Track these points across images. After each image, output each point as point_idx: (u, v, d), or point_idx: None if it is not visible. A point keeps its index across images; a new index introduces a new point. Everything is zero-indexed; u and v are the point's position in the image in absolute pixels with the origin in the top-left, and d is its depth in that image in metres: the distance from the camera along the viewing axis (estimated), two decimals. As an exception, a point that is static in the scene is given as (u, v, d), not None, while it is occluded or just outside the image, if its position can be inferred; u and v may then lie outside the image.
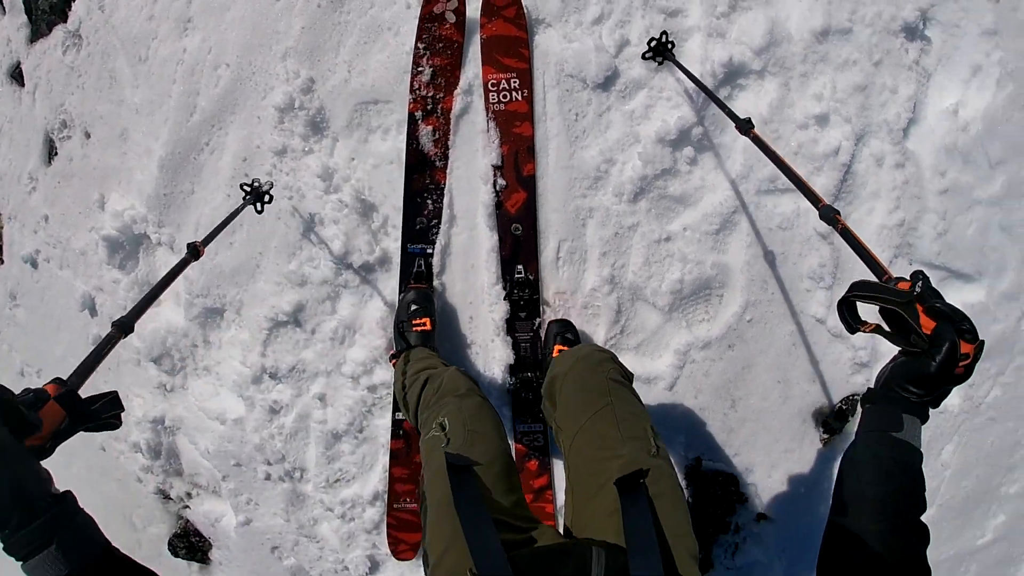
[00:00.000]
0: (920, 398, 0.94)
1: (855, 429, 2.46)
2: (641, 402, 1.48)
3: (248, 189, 2.10)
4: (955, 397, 2.56)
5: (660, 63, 2.15)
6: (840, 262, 2.32)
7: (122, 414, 1.02)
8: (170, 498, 2.91)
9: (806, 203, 2.25)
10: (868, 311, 1.05)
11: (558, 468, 2.48)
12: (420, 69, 2.16)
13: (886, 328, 1.02)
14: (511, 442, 2.40)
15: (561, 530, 1.36)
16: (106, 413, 0.98)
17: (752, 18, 2.12)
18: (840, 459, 1.01)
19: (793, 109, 2.18)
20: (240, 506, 2.72)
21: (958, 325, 0.89)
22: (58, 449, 0.87)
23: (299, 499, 2.66)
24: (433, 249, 2.29)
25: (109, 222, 2.51)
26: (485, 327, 2.36)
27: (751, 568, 2.71)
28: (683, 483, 2.55)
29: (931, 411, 0.98)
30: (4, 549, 0.77)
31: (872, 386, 1.03)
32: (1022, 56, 2.24)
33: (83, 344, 2.76)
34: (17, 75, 2.83)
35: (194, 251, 1.60)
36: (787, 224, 2.29)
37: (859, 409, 2.52)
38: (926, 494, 0.95)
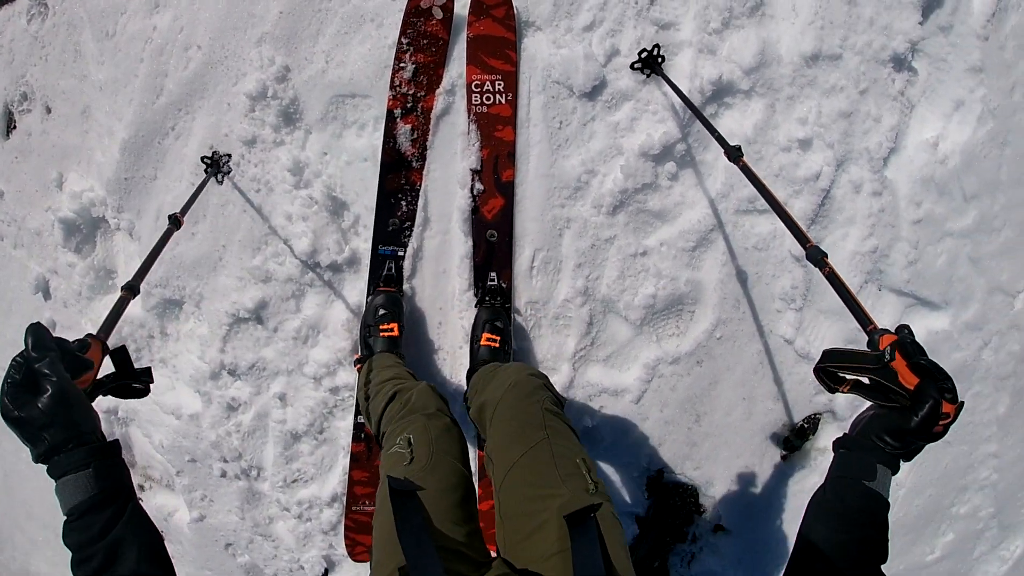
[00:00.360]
0: (895, 450, 0.93)
1: (814, 445, 2.47)
2: (575, 431, 1.39)
3: (208, 161, 2.11)
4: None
5: (648, 75, 2.04)
6: (812, 284, 2.26)
7: (151, 384, 1.07)
8: (123, 489, 2.74)
9: (783, 224, 2.21)
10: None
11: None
12: (402, 65, 2.01)
13: (865, 381, 1.00)
14: (476, 450, 2.29)
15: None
16: (143, 377, 1.04)
17: (744, 37, 2.02)
18: (809, 500, 0.99)
19: (777, 131, 2.10)
20: (194, 502, 2.56)
21: (940, 384, 0.87)
22: (11, 434, 0.86)
23: (255, 497, 2.52)
24: (404, 252, 2.15)
25: (67, 203, 2.31)
26: (454, 334, 2.24)
27: (706, 577, 2.67)
28: (643, 495, 2.51)
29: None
30: (47, 469, 0.83)
31: (847, 432, 1.01)
32: (1005, 94, 2.19)
33: (34, 328, 2.55)
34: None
35: (175, 221, 1.64)
36: (763, 245, 2.22)
37: (820, 428, 2.51)
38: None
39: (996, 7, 2.17)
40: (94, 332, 1.01)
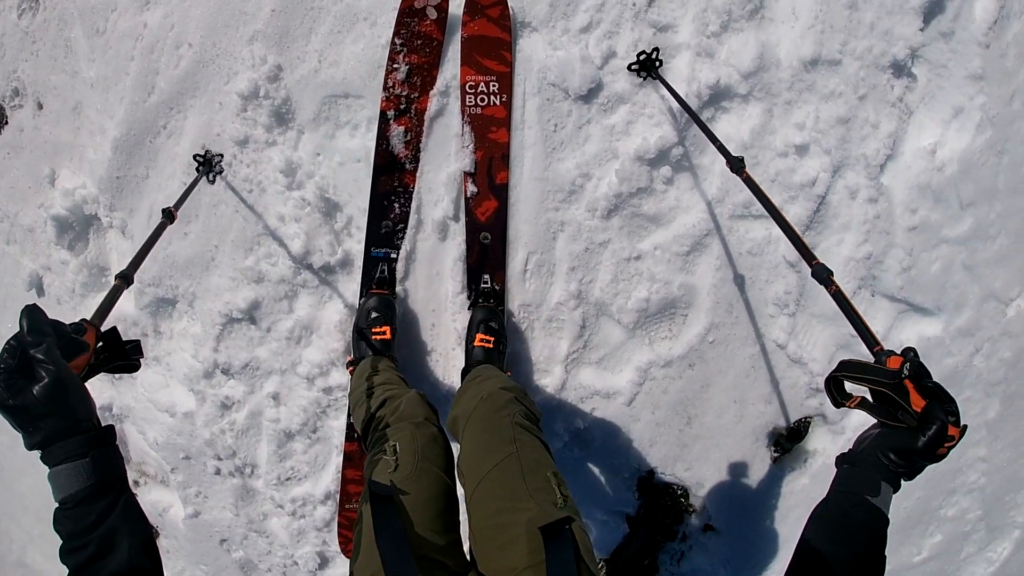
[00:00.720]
0: (898, 468, 0.92)
1: (804, 448, 2.43)
2: (547, 448, 1.37)
3: (200, 160, 2.07)
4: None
5: (645, 78, 1.98)
6: (805, 290, 2.21)
7: (142, 359, 1.06)
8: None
9: (778, 231, 2.15)
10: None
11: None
12: (396, 65, 1.94)
13: (870, 400, 0.98)
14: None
15: None
16: (133, 355, 1.02)
17: (743, 40, 1.95)
18: (811, 512, 0.99)
19: (774, 136, 2.03)
20: (189, 498, 2.53)
21: (947, 407, 0.87)
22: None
23: (249, 495, 2.48)
24: (397, 254, 2.10)
25: (59, 200, 2.25)
26: (447, 336, 2.19)
27: (695, 575, 2.65)
28: (634, 494, 2.48)
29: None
30: (41, 456, 0.80)
31: (851, 448, 1.00)
32: (1005, 102, 2.12)
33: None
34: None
35: (169, 215, 1.61)
36: (757, 250, 2.16)
37: (810, 431, 2.47)
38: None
39: (998, 14, 2.09)
40: (88, 318, 0.98)
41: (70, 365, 0.84)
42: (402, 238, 2.09)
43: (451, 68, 2.01)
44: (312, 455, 2.37)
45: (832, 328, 2.25)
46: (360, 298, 2.12)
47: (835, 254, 2.18)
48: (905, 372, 0.90)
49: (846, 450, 1.00)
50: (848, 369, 0.97)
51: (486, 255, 2.09)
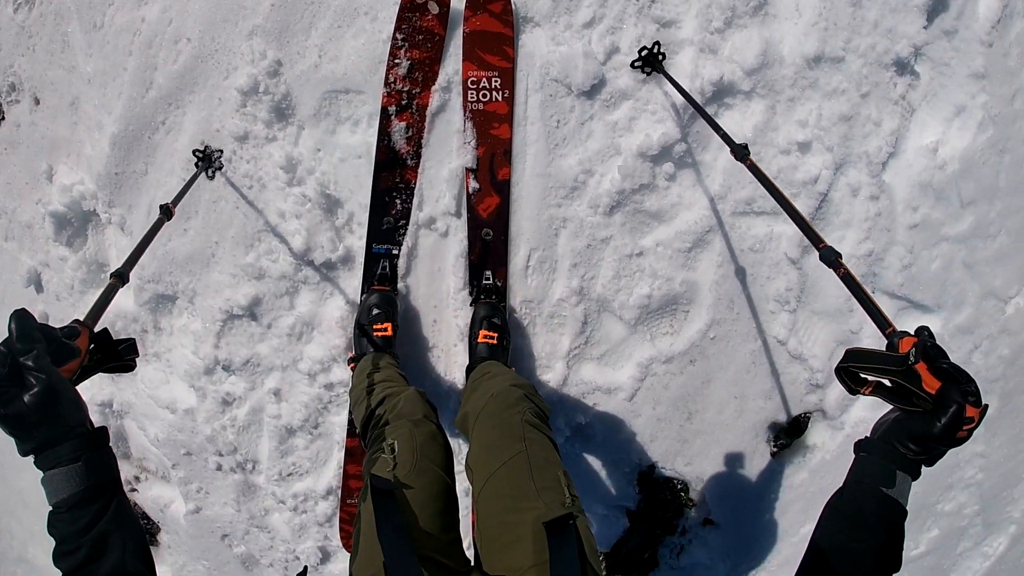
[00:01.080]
0: (916, 455, 0.88)
1: (804, 443, 2.43)
2: (556, 446, 1.36)
3: (200, 156, 2.05)
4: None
5: (648, 74, 1.95)
6: (806, 287, 2.21)
7: (137, 358, 1.04)
8: (118, 480, 2.68)
9: (780, 227, 2.15)
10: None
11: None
12: (397, 61, 1.92)
13: (887, 384, 0.94)
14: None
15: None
16: (126, 355, 1.00)
17: (747, 37, 1.92)
18: (825, 503, 0.96)
19: (777, 133, 2.02)
20: (190, 494, 2.52)
21: (964, 387, 0.82)
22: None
23: (251, 490, 2.47)
24: (399, 250, 2.08)
25: (57, 197, 2.22)
26: (448, 332, 2.17)
27: (694, 569, 2.66)
28: (635, 489, 2.48)
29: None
30: (34, 460, 0.80)
31: (868, 435, 0.96)
32: (1007, 101, 2.11)
33: (27, 321, 2.47)
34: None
35: (166, 212, 1.60)
36: (759, 247, 2.15)
37: (809, 427, 2.47)
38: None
39: (1001, 13, 2.07)
40: (81, 319, 0.97)
41: (62, 370, 0.83)
42: (404, 234, 2.07)
43: (453, 64, 1.98)
44: (313, 451, 2.35)
45: (833, 324, 2.25)
46: (361, 294, 2.10)
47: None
48: (912, 357, 0.86)
49: (860, 438, 0.97)
50: (854, 359, 0.94)
51: (488, 251, 2.07)
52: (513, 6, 1.91)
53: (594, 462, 2.40)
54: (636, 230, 2.11)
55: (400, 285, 2.11)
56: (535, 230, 2.08)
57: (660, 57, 1.92)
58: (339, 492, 2.39)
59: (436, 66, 1.96)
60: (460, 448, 2.31)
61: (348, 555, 2.47)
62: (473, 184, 2.03)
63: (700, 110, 1.68)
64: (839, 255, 1.12)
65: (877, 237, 2.17)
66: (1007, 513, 2.72)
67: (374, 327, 1.98)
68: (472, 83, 1.97)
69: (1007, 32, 2.10)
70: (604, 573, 1.07)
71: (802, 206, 2.08)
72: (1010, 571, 2.83)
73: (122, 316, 2.29)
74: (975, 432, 2.55)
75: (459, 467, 2.31)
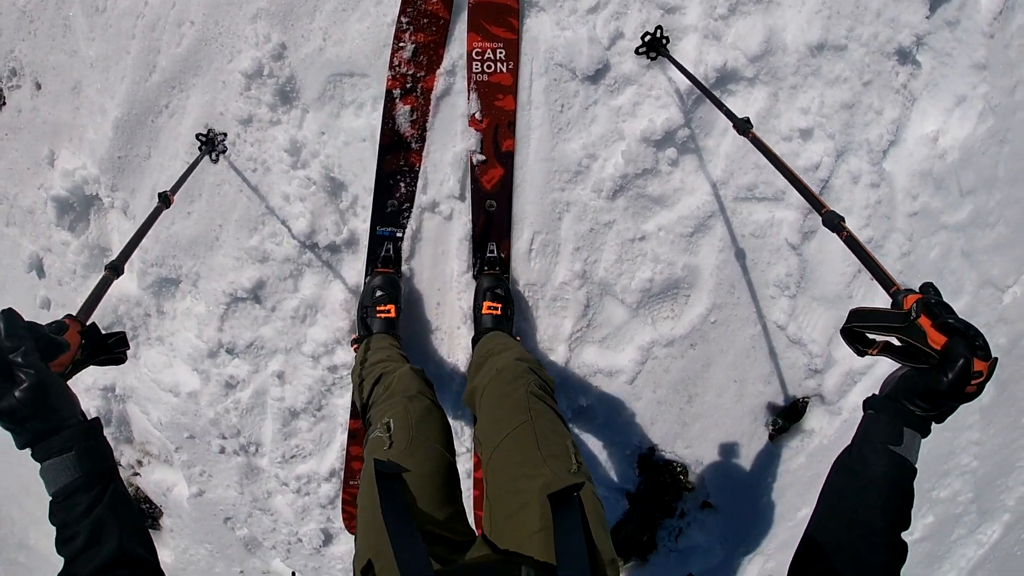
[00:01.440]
0: (925, 412, 0.88)
1: (802, 427, 2.50)
2: (561, 417, 1.40)
3: (203, 139, 2.10)
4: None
5: (653, 58, 2.01)
6: (806, 273, 2.29)
7: (127, 351, 1.08)
8: (120, 465, 2.74)
9: (781, 212, 2.21)
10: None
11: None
12: (402, 44, 1.96)
13: (895, 343, 0.94)
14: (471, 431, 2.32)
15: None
16: (116, 348, 1.04)
17: (751, 24, 1.98)
18: (833, 461, 0.97)
19: (779, 120, 2.08)
20: (193, 477, 2.59)
21: (972, 341, 0.82)
22: None
23: (254, 473, 2.55)
24: (403, 233, 2.14)
25: (59, 181, 2.26)
26: (452, 314, 2.24)
27: (692, 551, 2.76)
28: (634, 472, 2.57)
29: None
30: (31, 453, 0.85)
31: (876, 392, 0.97)
32: (1007, 92, 2.17)
33: (30, 306, 2.52)
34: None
35: (165, 199, 1.62)
36: (760, 232, 2.22)
37: (808, 411, 2.55)
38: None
39: (1004, 5, 2.13)
40: (74, 313, 1.01)
41: (52, 364, 0.87)
42: (408, 217, 2.13)
43: (458, 47, 2.03)
44: (317, 433, 2.42)
45: (832, 311, 2.32)
46: (365, 277, 2.16)
47: (835, 238, 2.19)
48: (914, 312, 0.87)
49: (869, 395, 0.97)
50: (858, 319, 0.95)
51: (491, 223, 2.13)
52: None
53: (595, 444, 2.48)
54: (639, 214, 2.17)
55: (404, 268, 2.18)
56: (539, 213, 2.14)
57: (664, 42, 1.98)
58: (342, 474, 2.46)
59: (441, 50, 2.01)
60: (463, 430, 2.38)
61: (350, 537, 2.56)
62: (477, 156, 2.08)
63: (702, 87, 1.74)
64: (842, 219, 1.15)
65: (877, 224, 2.24)
66: (1001, 501, 2.82)
67: (377, 308, 2.04)
68: (477, 54, 2.01)
69: (1009, 24, 2.16)
70: (609, 539, 1.11)
71: (803, 192, 2.14)
72: (1003, 559, 2.93)
73: (125, 300, 2.35)
74: (971, 421, 2.60)
75: (465, 445, 2.38)
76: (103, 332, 1.02)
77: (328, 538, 2.64)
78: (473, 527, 1.30)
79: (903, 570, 0.88)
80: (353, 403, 2.32)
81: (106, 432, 2.58)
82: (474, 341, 2.07)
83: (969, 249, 2.32)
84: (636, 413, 2.43)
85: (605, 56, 1.99)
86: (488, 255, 2.15)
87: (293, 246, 2.15)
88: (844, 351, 2.39)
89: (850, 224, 2.19)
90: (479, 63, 2.02)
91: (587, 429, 2.43)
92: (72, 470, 0.84)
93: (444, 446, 1.40)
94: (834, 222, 1.15)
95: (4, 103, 2.37)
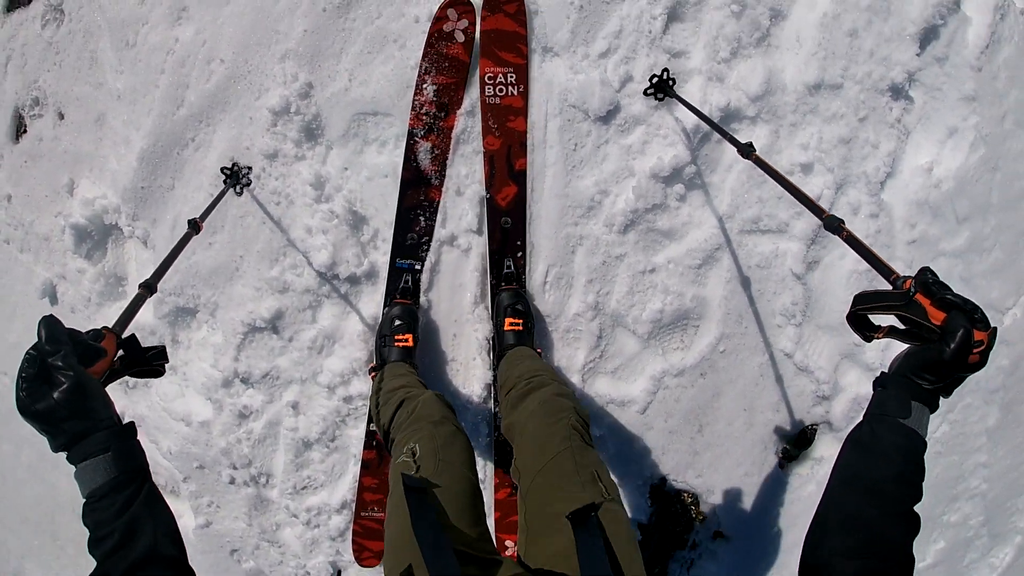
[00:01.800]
0: (932, 385, 0.97)
1: (811, 455, 2.72)
2: (595, 450, 1.54)
3: (228, 172, 2.31)
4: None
5: (660, 99, 2.28)
6: (811, 302, 2.52)
7: (166, 365, 1.17)
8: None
9: (784, 244, 2.48)
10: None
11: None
12: (424, 86, 2.22)
13: (900, 327, 1.06)
14: (491, 462, 2.53)
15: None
16: (156, 361, 1.14)
17: (751, 66, 2.26)
18: (845, 438, 1.05)
19: (781, 156, 2.35)
20: (200, 508, 2.75)
21: (970, 314, 0.93)
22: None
23: (263, 504, 2.71)
24: (422, 266, 2.37)
25: (78, 209, 2.48)
26: (468, 345, 2.46)
27: (704, 583, 2.93)
28: (647, 502, 2.75)
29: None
30: (67, 456, 0.93)
31: (885, 371, 1.06)
32: (997, 122, 2.47)
33: (40, 333, 2.71)
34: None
35: (194, 226, 1.78)
36: (765, 263, 2.47)
37: (817, 439, 2.77)
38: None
39: (990, 39, 2.43)
40: (109, 326, 1.10)
41: (89, 371, 0.96)
42: (427, 250, 2.36)
43: (476, 90, 2.29)
44: (329, 464, 2.61)
45: (838, 338, 2.57)
46: (384, 308, 2.38)
47: (838, 268, 2.49)
48: (913, 288, 0.99)
49: (878, 375, 1.06)
50: (862, 302, 1.07)
51: (507, 239, 2.37)
52: (526, 5, 2.20)
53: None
54: (649, 248, 2.41)
55: (422, 299, 2.40)
56: (553, 247, 2.38)
57: (670, 83, 2.25)
58: (353, 506, 2.62)
59: (461, 91, 2.27)
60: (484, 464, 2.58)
61: (360, 570, 2.73)
62: (492, 174, 2.33)
63: (706, 119, 1.99)
64: (841, 221, 1.30)
65: (878, 253, 2.49)
66: (1012, 523, 3.04)
67: (395, 337, 2.25)
68: (489, 78, 2.26)
69: (995, 57, 2.46)
70: (639, 560, 1.26)
71: (805, 225, 2.40)
72: (1018, 583, 3.14)
73: (140, 328, 2.54)
74: (979, 444, 2.85)
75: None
76: (142, 345, 1.12)
77: (337, 572, 2.79)
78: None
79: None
80: (367, 432, 2.50)
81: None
82: (499, 356, 2.27)
83: (968, 274, 2.59)
84: (648, 443, 2.63)
85: (616, 98, 2.26)
86: (506, 271, 2.37)
87: (313, 277, 2.37)
88: (851, 378, 2.64)
89: (852, 254, 2.48)
90: (491, 87, 2.27)
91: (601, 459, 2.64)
92: (108, 470, 0.92)
93: (470, 469, 1.53)
94: (834, 224, 1.30)
95: (25, 131, 2.60)
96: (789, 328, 2.54)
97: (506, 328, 2.26)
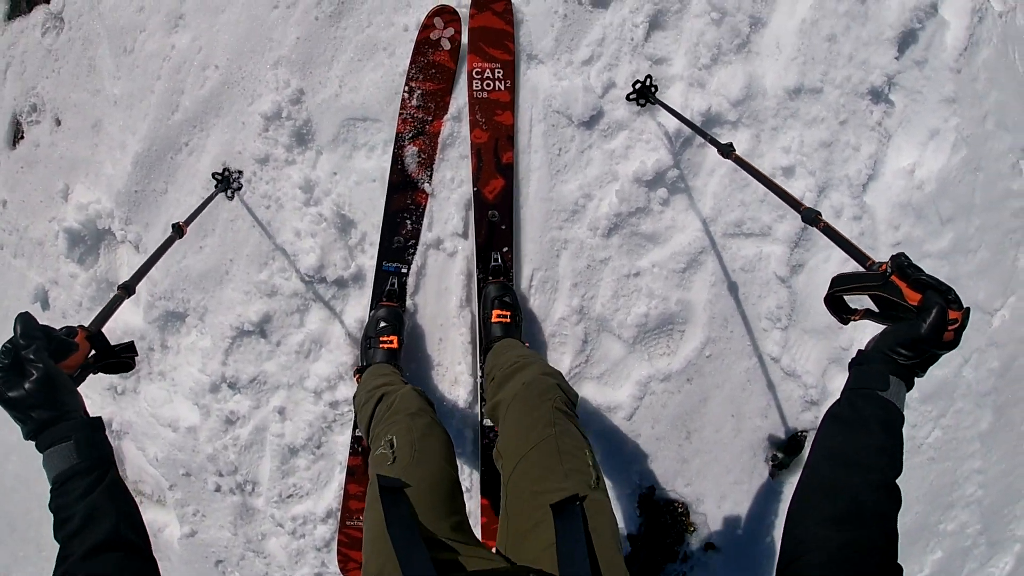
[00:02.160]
0: (908, 360, 1.03)
1: (801, 462, 2.84)
2: (582, 430, 1.56)
3: (219, 177, 2.46)
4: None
5: (643, 105, 2.46)
6: (796, 306, 2.66)
7: (136, 358, 1.28)
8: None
9: (768, 247, 2.64)
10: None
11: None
12: (411, 92, 2.41)
13: (875, 309, 1.13)
14: (477, 470, 2.66)
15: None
16: (124, 353, 1.25)
17: (732, 72, 2.44)
18: (823, 414, 1.10)
19: (763, 159, 2.51)
20: (186, 517, 2.86)
21: (945, 294, 1.01)
22: None
23: (249, 513, 2.81)
24: (408, 269, 2.51)
25: (72, 214, 2.64)
26: (454, 349, 2.59)
27: (697, 597, 3.01)
28: (636, 512, 2.84)
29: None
30: (35, 444, 1.02)
31: (862, 348, 1.12)
32: (977, 123, 2.64)
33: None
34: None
35: (178, 230, 1.88)
36: (749, 267, 2.61)
37: (806, 444, 2.88)
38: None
39: (968, 42, 2.61)
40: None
41: (62, 365, 1.07)
42: (413, 253, 2.51)
43: (462, 95, 2.46)
44: (315, 471, 2.72)
45: (824, 341, 2.71)
46: (370, 311, 2.51)
47: (823, 271, 2.64)
48: (889, 269, 1.07)
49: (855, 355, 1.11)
50: (840, 283, 1.14)
51: (494, 233, 2.50)
52: (512, 5, 2.37)
53: (596, 481, 2.80)
54: (633, 251, 2.56)
55: (408, 303, 2.54)
56: (538, 251, 2.53)
57: (653, 89, 2.43)
58: (338, 515, 2.72)
59: (447, 97, 2.45)
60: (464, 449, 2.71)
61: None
62: (479, 167, 2.47)
63: (688, 122, 2.14)
64: (819, 213, 1.38)
65: (855, 243, 2.66)
66: (1010, 531, 3.12)
67: (380, 339, 2.38)
68: (477, 73, 2.43)
69: (974, 58, 2.63)
70: (620, 555, 1.22)
71: (788, 228, 2.55)
72: (1019, 592, 3.21)
73: (129, 333, 2.69)
74: (972, 449, 2.99)
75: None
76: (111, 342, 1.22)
77: (321, 583, 2.92)
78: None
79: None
80: (353, 439, 2.61)
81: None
82: (485, 349, 2.38)
83: (954, 275, 2.73)
84: (635, 450, 2.73)
85: (599, 103, 2.43)
86: (493, 264, 2.50)
87: (301, 281, 2.52)
88: (839, 383, 2.75)
89: (836, 256, 2.67)
90: (479, 81, 2.44)
91: (587, 463, 2.76)
92: (71, 457, 1.00)
93: (447, 460, 1.61)
94: (811, 216, 1.39)
95: (22, 137, 2.78)
96: (775, 332, 2.67)
97: (493, 320, 2.37)
